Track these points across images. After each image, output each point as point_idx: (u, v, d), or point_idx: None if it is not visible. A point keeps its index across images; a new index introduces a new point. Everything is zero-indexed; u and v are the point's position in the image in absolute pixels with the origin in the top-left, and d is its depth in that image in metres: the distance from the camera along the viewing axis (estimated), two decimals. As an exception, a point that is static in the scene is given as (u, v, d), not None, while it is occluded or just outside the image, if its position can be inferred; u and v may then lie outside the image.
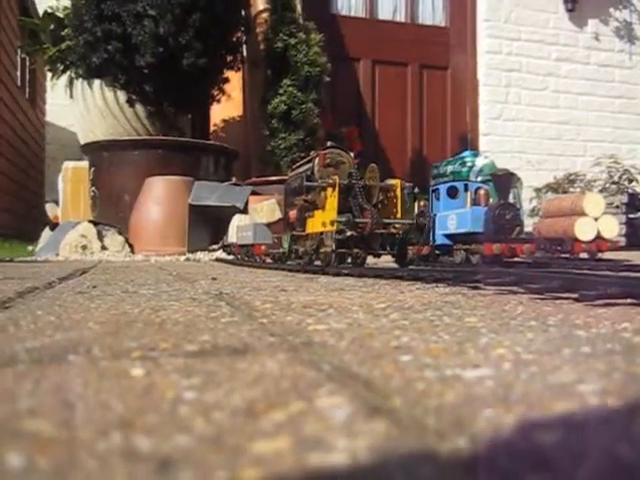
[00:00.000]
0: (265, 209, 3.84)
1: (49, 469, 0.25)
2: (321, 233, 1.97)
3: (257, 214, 3.82)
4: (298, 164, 2.43)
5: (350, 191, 1.93)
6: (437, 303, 0.89)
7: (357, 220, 1.87)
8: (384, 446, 0.27)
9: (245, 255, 2.99)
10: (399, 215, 1.96)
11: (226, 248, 3.74)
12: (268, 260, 2.69)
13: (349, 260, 1.98)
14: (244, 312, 0.80)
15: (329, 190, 1.93)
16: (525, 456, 0.26)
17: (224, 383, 0.39)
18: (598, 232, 2.70)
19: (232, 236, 3.49)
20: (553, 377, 0.40)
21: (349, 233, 1.85)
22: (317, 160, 2.07)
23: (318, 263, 2.02)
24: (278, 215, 3.51)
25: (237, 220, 3.79)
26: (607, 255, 2.74)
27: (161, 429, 0.30)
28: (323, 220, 1.94)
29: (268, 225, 3.02)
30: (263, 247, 2.70)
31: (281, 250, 2.42)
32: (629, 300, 0.88)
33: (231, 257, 3.48)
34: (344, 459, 0.25)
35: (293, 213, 2.25)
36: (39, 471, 0.25)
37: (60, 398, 0.36)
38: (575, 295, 0.95)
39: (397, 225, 1.94)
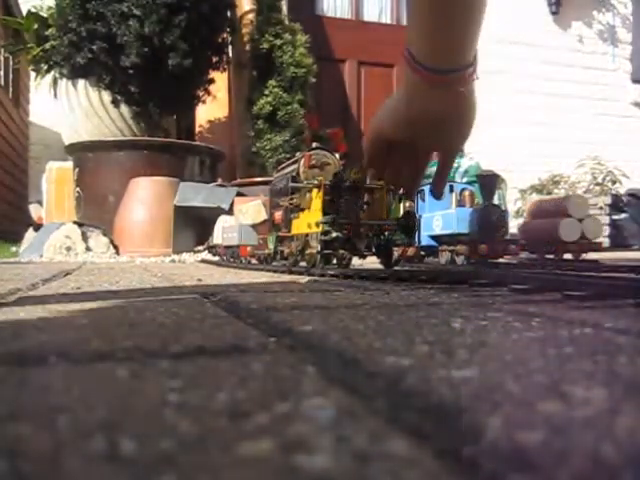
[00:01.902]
0: (250, 210, 3.83)
1: (31, 473, 0.25)
2: (306, 234, 1.97)
3: (242, 215, 3.81)
4: (283, 165, 2.43)
5: (335, 192, 1.93)
6: (421, 304, 0.89)
7: (342, 221, 1.87)
8: (368, 449, 0.27)
9: (230, 256, 2.98)
10: (384, 216, 1.96)
11: (211, 249, 3.73)
12: (253, 261, 2.69)
13: (334, 261, 1.98)
14: (230, 313, 0.80)
15: (314, 191, 1.93)
16: (508, 456, 0.26)
17: (209, 384, 0.39)
18: (582, 233, 2.72)
19: (217, 237, 3.48)
20: (537, 377, 0.40)
21: (334, 234, 1.85)
22: (302, 161, 2.07)
23: (303, 264, 2.02)
24: (263, 216, 3.51)
25: (222, 221, 3.78)
26: (591, 256, 2.76)
27: (145, 431, 0.30)
28: (308, 221, 1.94)
29: (253, 226, 3.01)
30: (249, 248, 2.69)
31: (266, 251, 2.41)
32: (612, 300, 0.89)
33: (216, 258, 3.47)
34: (329, 461, 0.25)
35: (278, 214, 2.25)
36: (21, 476, 0.24)
37: (42, 401, 0.36)
38: (559, 296, 0.96)
39: (383, 226, 1.94)
